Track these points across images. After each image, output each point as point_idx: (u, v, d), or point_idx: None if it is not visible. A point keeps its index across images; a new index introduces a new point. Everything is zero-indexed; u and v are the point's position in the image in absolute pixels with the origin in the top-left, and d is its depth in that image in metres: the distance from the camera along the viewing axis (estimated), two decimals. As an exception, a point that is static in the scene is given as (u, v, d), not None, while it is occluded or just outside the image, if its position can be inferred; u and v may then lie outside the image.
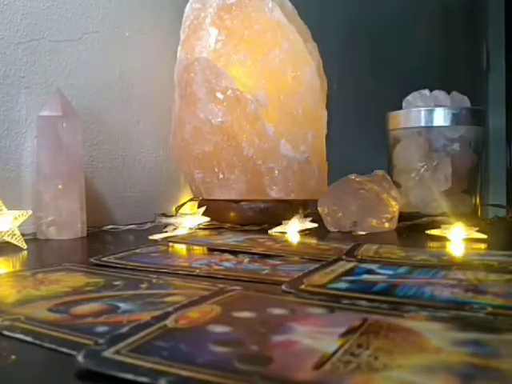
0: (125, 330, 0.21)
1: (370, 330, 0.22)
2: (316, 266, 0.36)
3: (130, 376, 0.17)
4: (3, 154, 0.57)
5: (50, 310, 0.26)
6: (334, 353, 0.19)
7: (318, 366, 0.18)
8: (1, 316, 0.25)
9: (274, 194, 0.64)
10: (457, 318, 0.24)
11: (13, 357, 0.20)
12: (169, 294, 0.29)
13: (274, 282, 0.33)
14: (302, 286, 0.30)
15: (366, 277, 0.33)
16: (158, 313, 0.24)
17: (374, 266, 0.36)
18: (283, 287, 0.30)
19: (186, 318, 0.23)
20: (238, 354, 0.19)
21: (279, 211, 0.63)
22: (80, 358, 0.18)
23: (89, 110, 0.66)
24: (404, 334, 0.21)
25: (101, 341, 0.20)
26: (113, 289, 0.31)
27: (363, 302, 0.27)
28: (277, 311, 0.24)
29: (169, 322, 0.22)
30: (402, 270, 0.35)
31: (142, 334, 0.21)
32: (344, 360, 0.18)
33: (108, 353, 0.19)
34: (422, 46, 1.38)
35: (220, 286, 0.30)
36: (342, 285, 0.31)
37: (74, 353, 0.20)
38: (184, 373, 0.17)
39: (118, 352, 0.19)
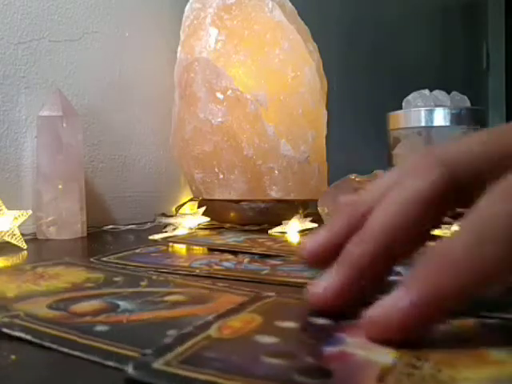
0: (169, 340, 0.20)
1: (422, 340, 0.21)
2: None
3: None
4: (3, 154, 0.57)
5: (50, 306, 0.26)
6: (394, 365, 0.18)
7: (381, 378, 0.17)
8: (0, 312, 0.25)
9: (274, 194, 0.64)
10: (505, 325, 0.24)
11: (13, 356, 0.20)
12: (169, 293, 0.29)
13: (294, 285, 0.32)
14: None
15: (394, 279, 0.33)
16: (158, 312, 0.24)
17: (399, 268, 0.35)
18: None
19: (229, 328, 0.22)
20: (295, 367, 0.18)
21: (279, 211, 0.63)
22: (130, 369, 0.18)
23: (89, 110, 0.66)
24: (459, 344, 0.21)
25: (147, 351, 0.19)
26: (113, 285, 0.31)
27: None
28: (320, 321, 0.24)
29: (213, 332, 0.22)
30: None
31: (189, 344, 0.20)
32: (406, 372, 0.18)
33: (158, 364, 0.18)
34: (422, 45, 1.38)
35: (256, 290, 0.29)
36: None
37: (73, 353, 0.20)
38: None
39: (167, 364, 0.18)
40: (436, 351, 0.20)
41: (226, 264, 0.39)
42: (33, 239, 0.55)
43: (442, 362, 0.19)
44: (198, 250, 0.46)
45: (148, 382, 0.17)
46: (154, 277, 0.33)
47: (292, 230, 0.57)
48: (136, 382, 0.17)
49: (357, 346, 0.20)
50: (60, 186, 0.56)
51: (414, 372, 0.18)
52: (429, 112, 0.72)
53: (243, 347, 0.20)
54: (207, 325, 0.22)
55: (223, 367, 0.18)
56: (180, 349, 0.19)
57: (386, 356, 0.19)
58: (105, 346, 0.21)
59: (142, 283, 0.31)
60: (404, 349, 0.20)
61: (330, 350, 0.20)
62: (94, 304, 0.27)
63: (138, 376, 0.17)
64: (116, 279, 0.32)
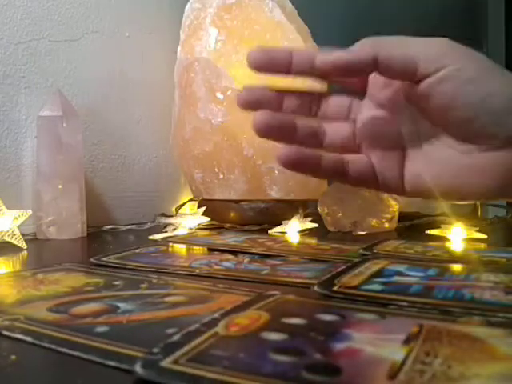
0: (176, 338, 0.20)
1: (430, 336, 0.21)
2: (343, 267, 0.36)
3: None
4: (3, 154, 0.57)
5: (50, 310, 0.26)
6: (404, 361, 0.18)
7: (392, 375, 0.17)
8: (1, 316, 0.25)
9: (274, 194, 0.64)
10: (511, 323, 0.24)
11: (13, 357, 0.20)
12: (169, 294, 0.29)
13: (294, 284, 0.32)
14: (335, 288, 0.30)
15: (397, 278, 0.33)
16: (158, 312, 0.24)
17: (402, 268, 0.35)
18: (315, 288, 0.30)
19: (237, 325, 0.22)
20: (303, 364, 0.18)
21: (279, 211, 0.63)
22: (138, 368, 0.18)
23: (89, 110, 0.66)
24: (468, 341, 0.21)
25: (155, 350, 0.19)
26: (112, 289, 0.31)
27: (408, 305, 0.26)
28: (327, 317, 0.24)
29: (220, 330, 0.21)
30: (431, 271, 0.35)
31: (196, 342, 0.20)
32: (417, 369, 0.18)
33: (166, 363, 0.18)
34: (422, 46, 1.38)
35: (256, 290, 0.29)
36: (376, 286, 0.30)
37: (73, 353, 0.20)
38: None
39: (175, 362, 0.18)
40: (446, 346, 0.20)
41: (226, 264, 0.39)
42: (33, 239, 0.55)
43: (452, 358, 0.19)
44: (198, 250, 0.46)
45: (157, 381, 0.17)
46: (154, 280, 0.33)
47: (292, 229, 0.57)
48: (144, 379, 0.17)
49: (364, 342, 0.20)
50: (60, 186, 0.56)
51: (425, 369, 0.18)
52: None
53: (251, 344, 0.20)
54: (214, 322, 0.22)
55: (231, 365, 0.18)
56: (188, 347, 0.19)
57: (394, 352, 0.19)
58: (105, 346, 0.21)
59: (142, 286, 0.31)
60: (413, 343, 0.20)
61: (338, 346, 0.20)
62: (94, 306, 0.27)
63: (147, 375, 0.17)
64: (116, 283, 0.32)
